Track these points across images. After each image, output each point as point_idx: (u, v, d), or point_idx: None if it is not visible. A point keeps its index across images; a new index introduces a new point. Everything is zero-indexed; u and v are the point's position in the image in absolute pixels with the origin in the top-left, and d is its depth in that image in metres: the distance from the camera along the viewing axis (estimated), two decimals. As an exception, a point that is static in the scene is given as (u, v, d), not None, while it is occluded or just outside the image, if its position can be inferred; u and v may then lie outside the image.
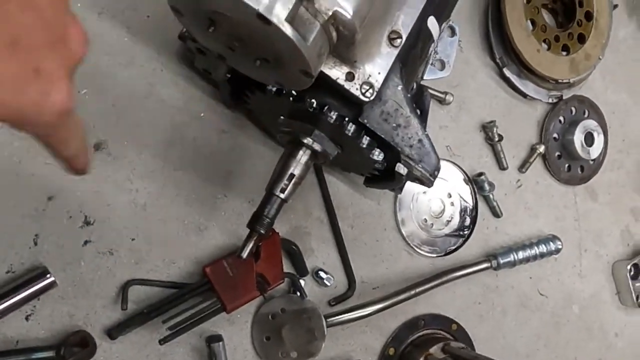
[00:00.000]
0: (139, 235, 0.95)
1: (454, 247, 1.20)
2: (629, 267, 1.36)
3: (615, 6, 1.35)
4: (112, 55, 0.94)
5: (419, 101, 0.95)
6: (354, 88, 0.78)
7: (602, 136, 1.33)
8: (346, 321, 1.04)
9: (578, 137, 1.30)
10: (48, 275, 0.87)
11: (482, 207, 1.23)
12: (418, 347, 1.12)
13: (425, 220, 1.18)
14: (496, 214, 1.24)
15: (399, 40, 0.80)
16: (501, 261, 1.19)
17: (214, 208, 1.00)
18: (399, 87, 0.82)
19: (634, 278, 1.36)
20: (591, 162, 1.34)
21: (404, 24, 0.81)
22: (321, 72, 0.75)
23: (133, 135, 0.95)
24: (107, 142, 0.94)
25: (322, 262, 1.08)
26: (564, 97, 1.31)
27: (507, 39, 1.21)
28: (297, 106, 0.81)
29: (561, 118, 1.31)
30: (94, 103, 0.93)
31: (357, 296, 1.09)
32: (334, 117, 0.80)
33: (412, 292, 1.09)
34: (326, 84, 0.77)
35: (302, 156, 0.83)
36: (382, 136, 0.82)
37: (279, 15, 0.60)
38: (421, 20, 0.84)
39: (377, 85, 0.78)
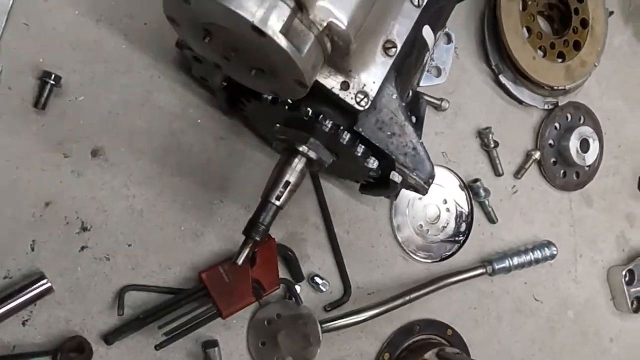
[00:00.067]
0: (135, 241, 0.96)
1: (449, 253, 1.21)
2: (624, 272, 1.36)
3: (611, 13, 1.36)
4: (109, 62, 0.95)
5: (415, 108, 0.96)
6: (348, 97, 0.78)
7: (597, 142, 1.34)
8: (341, 327, 1.04)
9: (573, 144, 1.30)
10: (45, 281, 0.88)
11: (478, 213, 1.24)
12: (413, 353, 1.13)
13: (421, 226, 1.18)
14: (492, 219, 1.25)
15: (393, 50, 0.80)
16: (496, 267, 1.20)
17: (211, 214, 1.00)
18: (394, 96, 0.83)
19: (628, 283, 1.37)
20: (586, 168, 1.35)
21: (398, 33, 0.81)
22: (316, 81, 0.75)
23: (130, 142, 0.96)
24: (104, 148, 0.94)
25: (317, 268, 1.08)
26: (560, 104, 1.31)
27: (503, 46, 1.22)
28: (293, 114, 0.82)
29: (557, 124, 1.32)
30: (92, 110, 0.94)
31: (352, 301, 1.10)
32: (329, 125, 0.81)
33: (408, 297, 1.10)
34: (321, 93, 0.78)
35: (298, 164, 0.84)
36: (377, 144, 0.83)
37: (274, 27, 0.61)
38: (416, 30, 0.84)
39: (372, 94, 0.79)
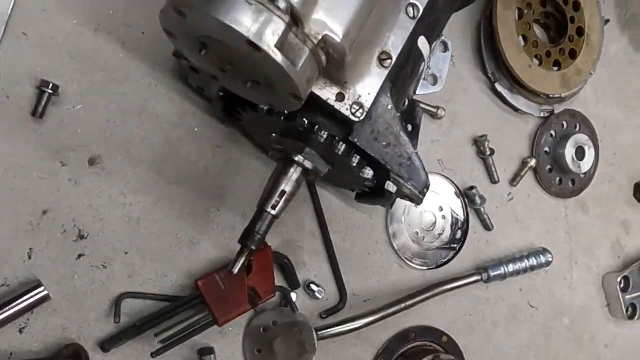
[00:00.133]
0: (132, 248, 0.96)
1: (445, 260, 1.21)
2: (619, 279, 1.37)
3: (607, 21, 1.37)
4: (107, 71, 0.95)
5: (411, 116, 0.96)
6: (344, 108, 0.79)
7: (592, 150, 1.35)
8: (337, 334, 1.05)
9: (569, 151, 1.31)
10: (42, 289, 0.88)
11: (473, 220, 1.25)
12: (408, 359, 1.13)
13: (417, 233, 1.19)
14: (487, 227, 1.26)
15: (388, 61, 0.81)
16: (492, 274, 1.20)
17: (207, 222, 1.01)
18: (389, 106, 0.84)
19: (623, 290, 1.38)
20: (582, 176, 1.36)
21: (394, 44, 0.82)
22: (312, 92, 0.76)
23: (127, 150, 0.96)
24: (102, 157, 0.95)
25: (313, 275, 1.09)
26: (556, 111, 1.32)
27: (499, 54, 1.22)
28: (288, 125, 0.83)
29: (552, 132, 1.33)
30: (89, 118, 0.94)
31: (348, 308, 1.10)
32: (325, 136, 0.81)
33: (403, 304, 1.10)
34: (317, 104, 0.78)
35: (293, 173, 0.85)
36: (372, 154, 0.83)
37: (269, 42, 0.61)
38: (411, 41, 0.85)
39: (367, 105, 0.80)
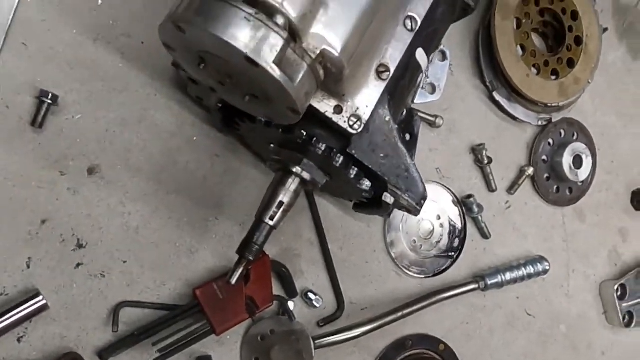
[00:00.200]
0: (130, 257, 0.96)
1: (442, 268, 1.22)
2: (616, 287, 1.37)
3: (605, 30, 1.37)
4: (106, 81, 0.96)
5: (409, 126, 0.97)
6: (342, 121, 0.79)
7: (590, 158, 1.35)
8: (334, 343, 1.05)
9: (567, 160, 1.32)
10: (40, 298, 0.88)
11: (471, 229, 1.25)
12: (406, 368, 1.14)
13: (415, 242, 1.19)
14: (485, 235, 1.26)
15: (387, 74, 0.81)
16: (489, 282, 1.21)
17: (206, 231, 1.01)
18: (387, 118, 0.84)
19: (621, 298, 1.38)
20: (580, 184, 1.36)
21: (392, 57, 0.83)
22: (310, 105, 0.76)
23: (126, 160, 0.97)
24: (101, 166, 0.95)
25: (311, 284, 1.09)
26: (553, 120, 1.32)
27: (497, 63, 1.23)
28: (287, 136, 0.83)
29: (550, 140, 1.33)
30: (88, 128, 0.95)
31: (346, 317, 1.11)
32: (323, 148, 0.82)
33: (401, 313, 1.11)
34: (315, 116, 0.79)
35: (292, 184, 0.85)
36: (370, 166, 0.84)
37: (267, 58, 0.62)
38: (410, 53, 0.86)
39: (365, 117, 0.80)
